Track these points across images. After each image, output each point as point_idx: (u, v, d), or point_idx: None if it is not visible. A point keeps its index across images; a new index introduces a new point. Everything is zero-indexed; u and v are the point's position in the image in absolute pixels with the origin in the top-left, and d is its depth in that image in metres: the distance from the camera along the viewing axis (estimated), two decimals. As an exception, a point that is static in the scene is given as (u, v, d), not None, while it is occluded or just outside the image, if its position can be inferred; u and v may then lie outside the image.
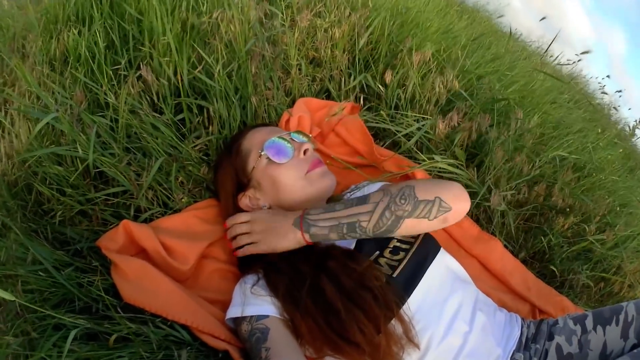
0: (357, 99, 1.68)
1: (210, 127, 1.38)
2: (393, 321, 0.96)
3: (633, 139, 3.23)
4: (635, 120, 2.60)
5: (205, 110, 1.40)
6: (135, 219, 1.22)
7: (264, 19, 1.53)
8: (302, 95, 1.57)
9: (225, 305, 1.10)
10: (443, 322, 1.02)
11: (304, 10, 1.56)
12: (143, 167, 1.24)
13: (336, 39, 1.62)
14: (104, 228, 1.19)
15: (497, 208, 1.49)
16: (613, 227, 1.72)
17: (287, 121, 1.45)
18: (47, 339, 0.92)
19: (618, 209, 1.95)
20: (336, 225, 1.03)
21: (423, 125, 1.53)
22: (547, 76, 2.17)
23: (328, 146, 1.51)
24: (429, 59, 1.70)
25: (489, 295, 1.25)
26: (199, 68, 1.36)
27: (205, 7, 1.50)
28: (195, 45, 1.39)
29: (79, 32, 1.40)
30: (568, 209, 1.70)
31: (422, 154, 1.53)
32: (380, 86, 1.69)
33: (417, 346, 0.97)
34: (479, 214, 1.64)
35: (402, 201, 1.02)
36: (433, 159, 1.48)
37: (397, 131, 1.55)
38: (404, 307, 0.99)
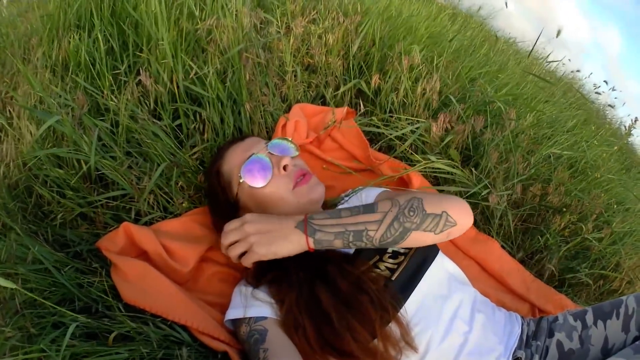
0: (351, 104, 1.69)
1: (206, 134, 1.39)
2: (391, 324, 0.96)
3: (629, 138, 3.22)
4: (632, 119, 2.59)
5: (200, 116, 1.41)
6: (136, 222, 1.23)
7: (259, 26, 1.55)
8: (298, 101, 1.59)
9: (224, 307, 1.10)
10: (442, 323, 1.02)
11: (299, 17, 1.58)
12: (144, 172, 1.25)
13: (330, 45, 1.64)
14: (104, 231, 1.20)
15: (496, 207, 1.49)
16: (610, 224, 1.71)
17: (284, 126, 1.45)
18: (45, 335, 0.92)
19: (615, 206, 1.95)
20: (342, 232, 0.99)
21: (417, 128, 1.54)
22: (540, 72, 2.20)
23: (324, 151, 1.52)
24: (419, 63, 1.72)
25: (487, 295, 1.26)
26: (192, 75, 1.37)
27: (203, 13, 1.52)
28: (186, 54, 1.40)
29: (80, 38, 1.43)
30: (564, 208, 1.69)
31: (416, 156, 1.54)
32: (373, 91, 1.70)
33: (415, 349, 0.97)
34: (476, 215, 1.64)
35: (411, 213, 1.00)
36: (428, 159, 1.50)
37: (391, 134, 1.56)
38: (402, 309, 1.00)
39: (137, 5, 1.50)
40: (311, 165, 1.48)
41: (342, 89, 1.64)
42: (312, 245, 1.00)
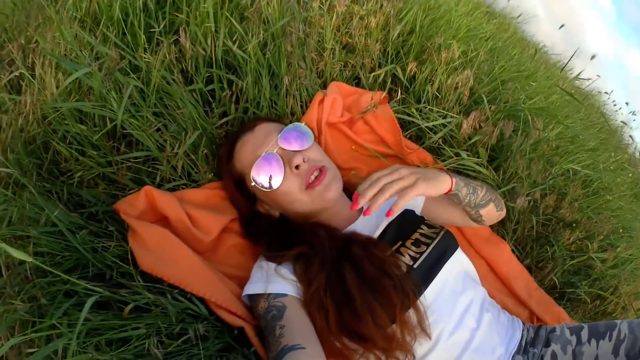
0: (384, 89, 1.61)
1: (240, 102, 1.30)
2: (409, 310, 0.95)
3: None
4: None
5: (234, 85, 1.31)
6: (158, 186, 1.14)
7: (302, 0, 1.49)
8: (333, 79, 1.50)
9: (241, 280, 1.05)
10: (454, 317, 1.01)
11: (342, -5, 1.51)
12: (173, 136, 1.16)
13: (371, 27, 1.55)
14: (124, 192, 1.10)
15: (519, 210, 1.48)
16: (614, 247, 1.69)
17: (321, 101, 1.37)
18: (57, 306, 0.84)
19: (621, 230, 1.95)
20: (467, 184, 1.09)
21: (449, 122, 1.50)
22: (567, 85, 2.18)
23: (356, 132, 1.45)
24: (456, 58, 1.67)
25: (492, 297, 1.25)
26: (234, 40, 1.30)
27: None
28: (232, 19, 1.33)
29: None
30: (574, 224, 1.69)
31: (447, 148, 1.50)
32: (408, 79, 1.64)
33: (429, 336, 0.96)
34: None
35: (490, 191, 1.18)
36: (459, 154, 1.47)
37: (423, 125, 1.53)
38: (421, 297, 0.98)
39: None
40: (341, 144, 1.41)
41: (377, 72, 1.55)
42: (453, 187, 1.05)
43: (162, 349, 0.86)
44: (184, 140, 1.15)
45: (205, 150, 1.22)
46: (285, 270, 1.00)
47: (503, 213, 1.28)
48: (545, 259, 1.62)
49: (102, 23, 1.27)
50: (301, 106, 1.39)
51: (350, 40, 1.56)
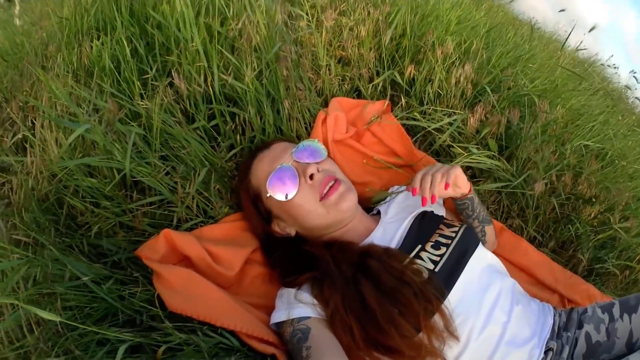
0: (386, 96, 1.60)
1: (245, 133, 1.29)
2: (435, 316, 0.94)
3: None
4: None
5: (237, 117, 1.31)
6: (176, 229, 1.14)
7: (288, 21, 1.47)
8: (333, 95, 1.50)
9: (269, 309, 1.06)
10: (483, 313, 1.00)
11: (328, 9, 1.49)
12: (183, 177, 1.16)
13: (362, 37, 1.54)
14: (143, 238, 1.11)
15: (538, 196, 1.47)
16: (637, 215, 1.67)
17: (324, 120, 1.37)
18: (91, 355, 0.85)
19: (640, 194, 1.92)
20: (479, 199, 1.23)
21: (455, 120, 1.48)
22: (568, 61, 2.14)
23: (364, 145, 1.44)
24: (452, 52, 1.65)
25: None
26: (229, 74, 1.29)
27: (231, 10, 1.43)
28: (224, 51, 1.32)
29: (102, 42, 1.33)
30: (594, 198, 1.67)
31: (456, 146, 1.49)
32: (407, 82, 1.62)
33: (457, 338, 0.95)
34: (511, 206, 1.61)
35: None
36: (468, 149, 1.45)
37: (430, 127, 1.51)
38: (446, 300, 0.98)
39: (155, 5, 1.40)
40: (351, 159, 1.41)
41: (376, 81, 1.54)
42: (471, 191, 1.17)
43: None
44: (193, 179, 1.14)
45: (217, 186, 1.22)
46: (304, 295, 1.01)
47: (495, 243, 1.39)
48: (569, 239, 1.61)
49: (95, 74, 1.27)
50: (305, 127, 1.39)
51: (344, 53, 1.56)
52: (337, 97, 1.47)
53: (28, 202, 1.08)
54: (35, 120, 1.20)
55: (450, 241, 1.09)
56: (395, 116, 1.51)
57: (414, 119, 1.49)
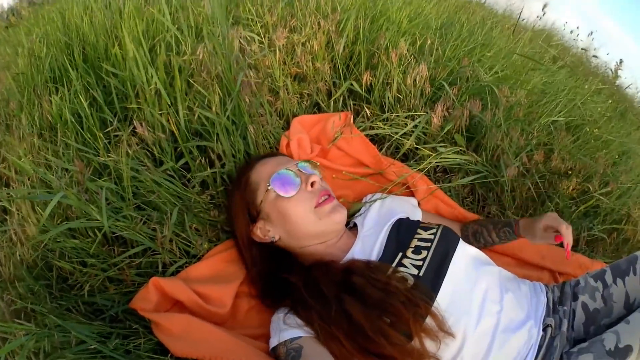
0: (346, 106, 1.76)
1: (216, 162, 1.44)
2: (427, 319, 1.06)
3: (617, 81, 3.38)
4: (617, 62, 2.73)
5: (206, 150, 1.46)
6: (162, 273, 1.29)
7: (241, 44, 1.59)
8: (294, 115, 1.64)
9: (267, 337, 1.19)
10: (475, 307, 1.14)
11: (279, 27, 1.62)
12: (159, 222, 1.30)
13: (315, 51, 1.69)
14: (134, 287, 1.26)
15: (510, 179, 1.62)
16: (616, 178, 1.84)
17: (287, 145, 1.52)
18: None
19: (617, 156, 2.08)
20: None
21: (419, 122, 1.63)
22: (524, 42, 2.30)
23: (332, 160, 1.59)
24: (406, 53, 1.78)
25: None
26: (196, 107, 1.42)
27: (183, 45, 1.56)
28: (180, 91, 1.45)
29: (60, 96, 1.46)
30: (570, 171, 1.82)
31: (423, 148, 1.64)
32: (366, 89, 1.77)
33: (452, 336, 1.08)
34: (487, 194, 1.76)
35: None
36: (436, 150, 1.60)
37: (395, 133, 1.64)
38: (435, 303, 1.10)
39: (107, 48, 1.53)
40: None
41: (334, 96, 1.70)
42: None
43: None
44: (168, 222, 1.29)
45: (194, 225, 1.37)
46: (292, 319, 1.14)
47: None
48: (551, 215, 1.75)
49: (58, 130, 1.41)
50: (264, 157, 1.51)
51: (299, 70, 1.70)
52: (298, 117, 1.62)
53: (19, 272, 1.22)
54: (10, 181, 1.32)
55: (430, 244, 1.22)
56: (359, 127, 1.66)
57: (373, 128, 1.63)
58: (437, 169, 1.76)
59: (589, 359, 1.05)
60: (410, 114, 1.68)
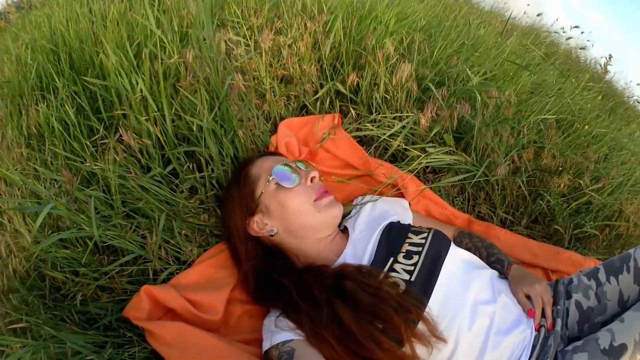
0: (333, 107, 1.81)
1: (204, 167, 1.49)
2: (419, 324, 1.10)
3: (606, 77, 3.44)
4: (606, 57, 2.78)
5: (194, 156, 1.51)
6: (154, 281, 1.34)
7: (227, 47, 1.62)
8: (281, 118, 1.70)
9: (260, 342, 1.24)
10: (467, 310, 1.17)
11: (265, 29, 1.66)
12: (148, 229, 1.36)
13: (301, 53, 1.74)
14: (126, 296, 1.31)
15: (498, 180, 1.67)
16: (607, 174, 1.89)
17: (276, 149, 1.57)
18: None
19: (608, 152, 2.13)
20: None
21: (407, 123, 1.67)
22: (512, 40, 2.35)
23: (319, 162, 1.65)
24: (393, 53, 1.83)
25: None
26: (186, 114, 1.45)
27: (173, 47, 1.59)
28: (185, 92, 1.48)
29: (47, 104, 1.49)
30: (560, 168, 1.87)
31: (411, 149, 1.68)
32: (352, 90, 1.82)
33: (444, 341, 1.11)
34: (477, 193, 1.81)
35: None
36: (425, 151, 1.64)
37: (382, 134, 1.69)
38: (427, 308, 1.14)
39: (91, 54, 1.56)
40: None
41: (317, 96, 1.76)
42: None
43: None
44: (156, 228, 1.34)
45: (183, 230, 1.42)
46: (283, 322, 1.18)
47: None
48: (542, 213, 1.82)
49: (46, 138, 1.44)
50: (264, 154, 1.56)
51: (285, 72, 1.73)
52: (285, 120, 1.68)
53: (12, 283, 1.27)
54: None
55: (421, 248, 1.26)
56: (346, 129, 1.72)
57: (361, 129, 1.67)
58: (427, 170, 1.82)
59: (583, 357, 1.08)
60: (398, 115, 1.72)
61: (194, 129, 1.49)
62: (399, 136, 1.70)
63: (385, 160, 1.73)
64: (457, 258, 1.29)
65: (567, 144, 2.03)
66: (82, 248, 1.32)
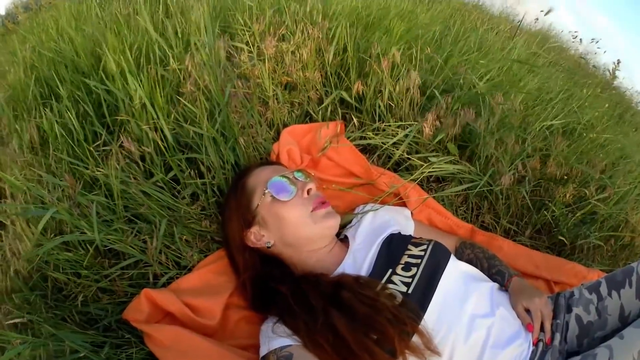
0: (338, 115, 1.85)
1: (206, 174, 1.53)
2: (414, 336, 1.12)
3: (615, 82, 3.43)
4: (614, 62, 2.79)
5: (195, 162, 1.56)
6: (154, 284, 1.40)
7: (230, 54, 1.66)
8: (284, 125, 1.74)
9: (257, 348, 1.26)
10: (464, 324, 1.20)
11: (267, 36, 1.70)
12: (149, 233, 1.41)
13: (305, 60, 1.78)
14: (126, 299, 1.36)
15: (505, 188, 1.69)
16: (613, 183, 1.90)
17: (277, 157, 1.62)
18: None
19: (614, 161, 2.14)
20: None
21: (410, 132, 1.70)
22: (520, 44, 2.36)
23: (321, 170, 1.69)
24: (398, 63, 1.87)
25: None
26: (185, 122, 1.49)
27: (175, 54, 1.63)
28: (181, 100, 1.53)
29: (51, 110, 1.54)
30: (566, 177, 1.88)
31: (414, 158, 1.72)
32: (357, 98, 1.85)
33: (438, 354, 1.13)
34: (481, 202, 1.84)
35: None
36: (428, 160, 1.67)
37: (385, 143, 1.72)
38: (423, 319, 1.16)
39: (97, 59, 1.60)
40: (311, 187, 1.64)
41: (322, 106, 1.80)
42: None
43: None
44: (157, 233, 1.40)
45: (184, 236, 1.47)
46: (280, 328, 1.21)
47: None
48: (547, 223, 1.84)
49: (50, 144, 1.50)
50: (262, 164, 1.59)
51: (289, 79, 1.77)
52: (288, 127, 1.72)
53: (15, 284, 1.34)
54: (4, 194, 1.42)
55: (420, 260, 1.29)
56: (348, 137, 1.77)
57: (365, 138, 1.71)
58: (430, 179, 1.86)
59: None
60: (401, 123, 1.75)
61: (195, 137, 1.53)
62: (402, 144, 1.73)
63: (389, 168, 1.77)
64: (456, 270, 1.32)
65: (573, 151, 2.04)
66: (84, 251, 1.37)
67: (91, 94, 1.65)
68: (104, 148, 1.53)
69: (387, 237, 1.40)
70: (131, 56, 1.58)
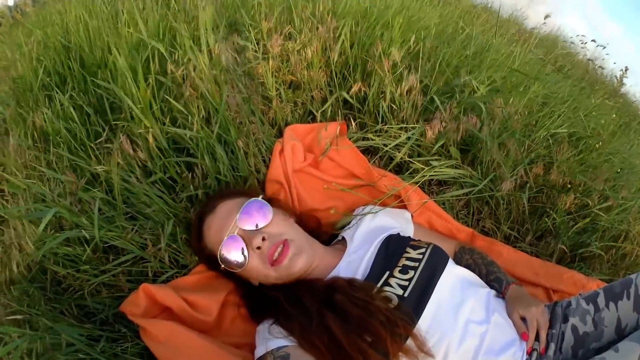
0: (341, 115, 1.88)
1: (201, 180, 1.56)
2: (408, 339, 1.13)
3: (622, 89, 3.43)
4: (621, 70, 2.79)
5: (192, 165, 1.59)
6: (153, 281, 1.42)
7: (236, 54, 1.68)
8: (287, 123, 1.77)
9: (252, 346, 1.31)
10: (458, 329, 1.21)
11: (274, 35, 1.72)
12: (150, 230, 1.44)
13: (309, 58, 1.81)
14: (124, 294, 1.40)
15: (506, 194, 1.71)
16: (616, 195, 1.91)
17: (281, 152, 1.65)
18: None
19: (619, 170, 2.15)
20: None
21: (412, 134, 1.72)
22: (526, 51, 2.37)
23: (323, 171, 1.71)
24: (399, 62, 1.88)
25: None
26: (177, 124, 1.51)
27: (173, 57, 1.65)
28: (172, 101, 1.56)
29: (53, 107, 1.57)
30: (569, 185, 1.90)
31: (415, 162, 1.74)
32: (359, 99, 1.88)
33: (432, 357, 1.15)
34: (482, 207, 1.86)
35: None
36: (429, 163, 1.69)
37: (386, 145, 1.75)
38: (417, 323, 1.17)
39: (102, 55, 1.63)
40: (312, 186, 1.69)
41: (324, 107, 1.82)
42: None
43: None
44: (162, 233, 1.43)
45: (184, 236, 1.50)
46: (276, 330, 1.23)
47: None
48: (548, 230, 1.86)
49: (51, 140, 1.53)
50: (264, 161, 1.68)
51: (293, 78, 1.79)
52: (291, 125, 1.75)
53: (14, 276, 1.38)
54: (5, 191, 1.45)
55: (417, 264, 1.30)
56: (350, 138, 1.80)
57: (368, 139, 1.74)
58: (432, 182, 1.88)
59: None
60: (404, 126, 1.76)
61: (191, 142, 1.55)
62: (404, 147, 1.75)
63: (390, 170, 1.79)
64: (453, 275, 1.33)
65: (577, 161, 2.05)
66: (84, 247, 1.40)
67: (94, 91, 1.68)
68: (105, 145, 1.56)
69: (385, 238, 1.41)
70: (137, 55, 1.60)
